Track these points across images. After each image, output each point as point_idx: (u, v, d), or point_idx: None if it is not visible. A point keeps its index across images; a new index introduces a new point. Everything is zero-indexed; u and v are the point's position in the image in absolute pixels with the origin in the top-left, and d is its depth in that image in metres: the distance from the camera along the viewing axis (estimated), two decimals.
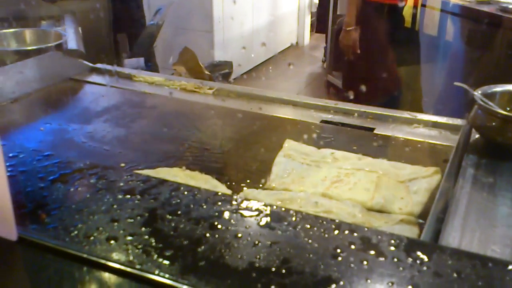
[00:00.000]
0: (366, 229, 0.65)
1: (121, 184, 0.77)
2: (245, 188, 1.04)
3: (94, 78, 1.69)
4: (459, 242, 0.84)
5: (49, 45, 1.78)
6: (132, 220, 0.68)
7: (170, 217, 0.69)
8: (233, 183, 1.06)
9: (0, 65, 1.57)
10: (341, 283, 0.56)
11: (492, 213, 0.93)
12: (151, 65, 3.35)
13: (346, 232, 0.65)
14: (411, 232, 0.90)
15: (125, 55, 2.95)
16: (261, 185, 1.06)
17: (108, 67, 1.73)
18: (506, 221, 0.90)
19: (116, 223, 0.68)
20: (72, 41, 1.94)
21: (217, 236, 0.65)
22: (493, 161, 1.11)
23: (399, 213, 0.96)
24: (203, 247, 0.63)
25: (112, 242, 0.64)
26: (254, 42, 5.25)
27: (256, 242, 0.63)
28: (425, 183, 1.04)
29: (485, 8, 2.78)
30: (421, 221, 0.94)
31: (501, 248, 0.83)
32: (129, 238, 0.65)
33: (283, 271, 0.58)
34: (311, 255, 0.61)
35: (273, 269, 0.59)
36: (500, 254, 0.81)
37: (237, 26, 4.82)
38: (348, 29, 2.63)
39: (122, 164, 1.13)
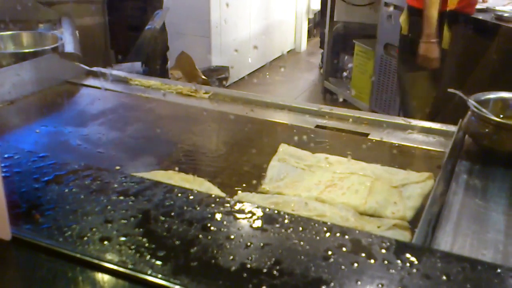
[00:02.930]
0: (357, 231, 0.66)
1: (115, 185, 0.78)
2: (239, 192, 1.05)
3: (90, 81, 1.70)
4: (451, 247, 0.85)
5: (46, 48, 1.79)
6: (125, 221, 0.69)
7: (163, 218, 0.69)
8: (228, 187, 1.06)
9: None
10: (332, 284, 0.57)
11: (484, 219, 0.93)
12: (148, 70, 3.36)
13: (337, 234, 0.65)
14: (403, 236, 0.90)
15: (121, 59, 2.96)
16: (255, 189, 1.07)
17: (104, 70, 1.74)
18: (498, 227, 0.91)
19: (109, 224, 0.68)
20: (68, 44, 1.95)
21: (209, 237, 0.65)
22: (486, 167, 1.12)
23: (391, 218, 0.96)
24: (195, 248, 0.63)
25: (105, 242, 0.65)
26: (251, 47, 5.27)
27: (248, 243, 0.64)
28: (418, 188, 1.04)
29: (481, 16, 2.80)
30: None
31: (492, 253, 0.84)
32: (123, 238, 0.65)
33: (275, 272, 0.59)
34: (302, 257, 0.61)
35: (265, 270, 0.59)
36: (491, 259, 0.82)
37: (234, 32, 4.84)
38: (432, 40, 2.58)
39: (117, 167, 1.13)
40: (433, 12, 2.57)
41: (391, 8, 3.50)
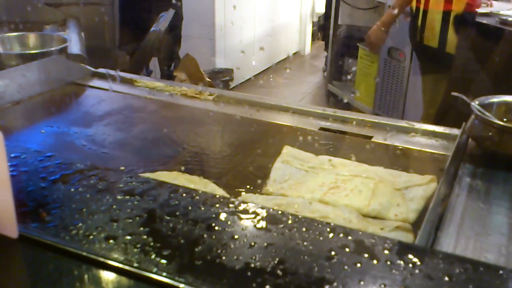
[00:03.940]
0: (360, 232, 0.66)
1: (121, 185, 0.78)
2: (243, 193, 1.05)
3: (96, 82, 1.71)
4: (454, 249, 0.85)
5: (52, 49, 1.80)
6: (131, 220, 0.70)
7: (168, 217, 0.70)
8: (232, 188, 1.07)
9: (4, 68, 1.59)
10: (335, 284, 0.57)
11: (487, 221, 0.94)
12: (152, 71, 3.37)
13: (341, 235, 0.66)
14: (406, 238, 0.91)
15: (127, 62, 2.97)
16: (259, 190, 1.07)
17: (110, 72, 1.75)
18: (501, 229, 0.91)
19: (115, 223, 0.69)
20: (75, 46, 1.96)
21: (214, 237, 0.66)
22: (489, 170, 1.12)
23: (394, 220, 0.97)
24: (200, 247, 0.64)
25: (111, 241, 0.66)
26: (255, 50, 5.28)
27: (252, 243, 0.65)
28: (421, 190, 1.05)
29: (485, 21, 2.80)
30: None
31: (495, 256, 0.84)
32: (128, 237, 0.66)
33: (278, 271, 0.59)
34: (305, 257, 0.62)
35: (268, 269, 0.60)
36: (494, 261, 0.82)
37: (238, 34, 4.85)
38: (382, 28, 2.79)
39: (122, 168, 1.14)
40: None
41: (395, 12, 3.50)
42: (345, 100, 4.37)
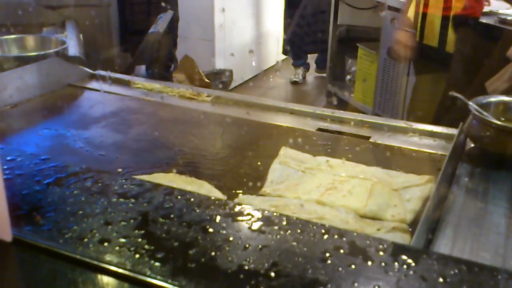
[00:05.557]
0: (354, 234, 0.66)
1: (116, 187, 0.78)
2: (240, 194, 1.05)
3: (94, 84, 1.71)
4: (451, 249, 0.85)
5: (50, 51, 1.80)
6: (125, 223, 0.69)
7: (163, 220, 0.70)
8: (229, 189, 1.07)
9: (1, 71, 1.59)
10: (329, 285, 0.57)
11: (484, 221, 0.94)
12: (152, 73, 3.36)
13: (335, 236, 0.66)
14: (402, 239, 0.91)
15: (126, 63, 2.97)
16: (256, 192, 1.07)
17: (108, 73, 1.75)
18: (498, 229, 0.91)
19: (109, 226, 0.69)
20: (72, 48, 1.96)
21: (208, 239, 0.66)
22: (487, 170, 1.12)
23: (391, 221, 0.96)
24: (194, 249, 0.64)
25: (105, 244, 0.65)
26: (254, 51, 5.27)
27: (247, 245, 0.64)
28: (418, 191, 1.05)
29: (484, 20, 2.80)
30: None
31: (492, 256, 0.84)
32: (122, 240, 0.66)
33: (272, 274, 0.59)
34: (300, 259, 0.62)
35: (262, 271, 0.60)
36: (491, 261, 0.82)
37: (238, 35, 4.85)
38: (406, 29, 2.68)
39: (119, 169, 1.14)
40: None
41: (392, 13, 3.50)
42: (335, 102, 4.36)
